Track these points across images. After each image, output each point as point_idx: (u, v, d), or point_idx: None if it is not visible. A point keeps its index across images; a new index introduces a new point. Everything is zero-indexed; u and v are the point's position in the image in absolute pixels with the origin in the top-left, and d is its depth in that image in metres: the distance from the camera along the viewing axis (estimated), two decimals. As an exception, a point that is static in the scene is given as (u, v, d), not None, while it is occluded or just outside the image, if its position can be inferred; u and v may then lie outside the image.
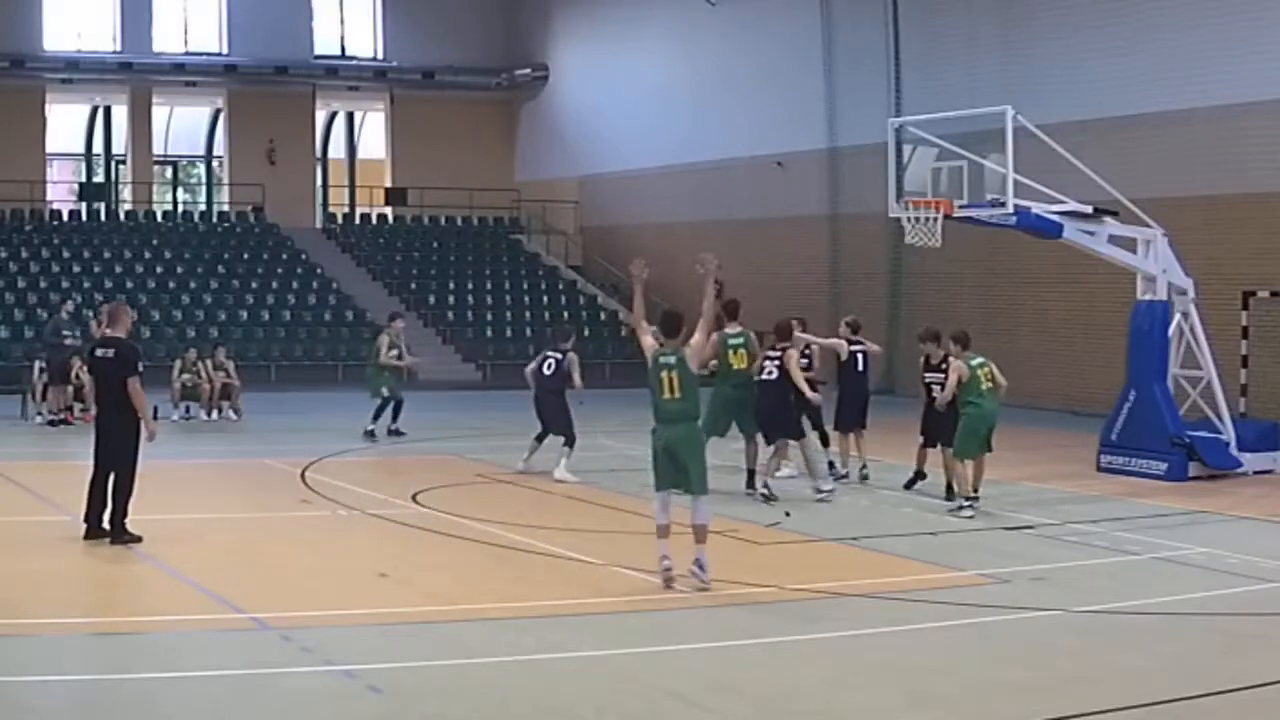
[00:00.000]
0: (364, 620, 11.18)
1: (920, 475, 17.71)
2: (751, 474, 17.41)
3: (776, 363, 17.26)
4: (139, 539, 13.69)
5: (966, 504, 16.14)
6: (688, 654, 10.34)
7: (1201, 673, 9.95)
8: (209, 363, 26.30)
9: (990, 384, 16.35)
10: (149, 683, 9.27)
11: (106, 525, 13.85)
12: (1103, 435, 20.09)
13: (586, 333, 39.78)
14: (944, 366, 16.98)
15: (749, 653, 10.40)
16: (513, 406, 22.59)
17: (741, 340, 17.36)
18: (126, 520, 13.82)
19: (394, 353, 23.19)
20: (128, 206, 43.28)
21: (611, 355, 38.54)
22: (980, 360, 16.44)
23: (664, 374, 12.25)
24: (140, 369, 14.00)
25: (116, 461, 13.90)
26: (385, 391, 23.08)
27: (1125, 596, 12.20)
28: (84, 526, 13.91)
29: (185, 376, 26.01)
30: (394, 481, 18.28)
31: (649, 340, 12.43)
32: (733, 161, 37.51)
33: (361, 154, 47.41)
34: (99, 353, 14.29)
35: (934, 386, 17.17)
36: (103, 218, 42.24)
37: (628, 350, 39.02)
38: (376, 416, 23.07)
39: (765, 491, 17.04)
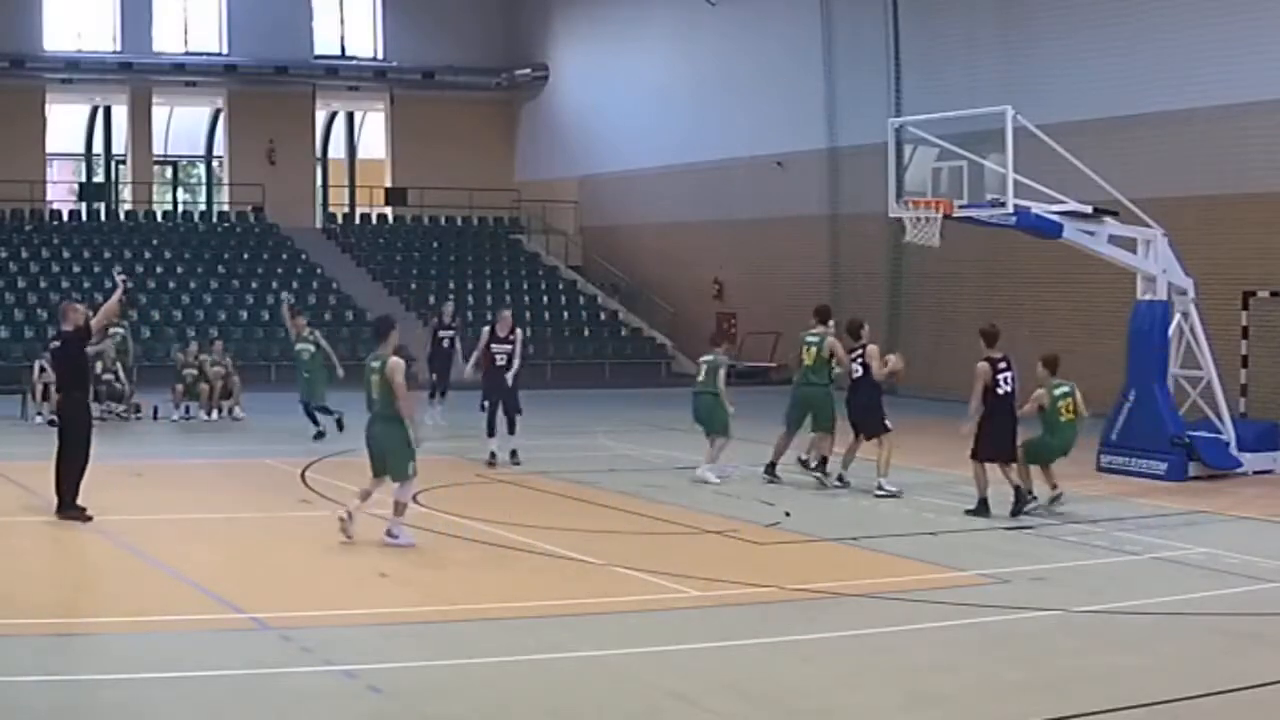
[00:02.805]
0: (364, 620, 11.18)
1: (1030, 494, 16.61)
2: (823, 462, 18.19)
3: (860, 360, 18.00)
4: (91, 518, 14.84)
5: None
6: (688, 654, 10.33)
7: (1201, 673, 9.94)
8: (208, 359, 26.27)
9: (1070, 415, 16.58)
10: (148, 683, 9.26)
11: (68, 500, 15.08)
12: (1103, 435, 20.08)
13: (586, 333, 39.86)
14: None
15: (749, 653, 10.40)
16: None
17: (816, 340, 18.33)
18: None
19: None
20: (128, 206, 43.29)
21: (611, 355, 38.57)
22: (1065, 390, 16.57)
23: (371, 377, 13.89)
24: (90, 340, 16.02)
25: (79, 440, 15.18)
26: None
27: (1125, 596, 12.20)
28: (56, 505, 15.04)
29: (187, 371, 26.01)
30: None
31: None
32: (733, 161, 37.51)
33: (361, 154, 47.41)
34: (52, 347, 16.26)
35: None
36: (103, 218, 42.25)
37: (627, 350, 39.13)
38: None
39: (839, 481, 17.94)
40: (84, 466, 15.11)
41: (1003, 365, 16.38)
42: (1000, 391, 16.26)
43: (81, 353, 15.84)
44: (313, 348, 24.19)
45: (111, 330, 25.73)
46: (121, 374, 25.95)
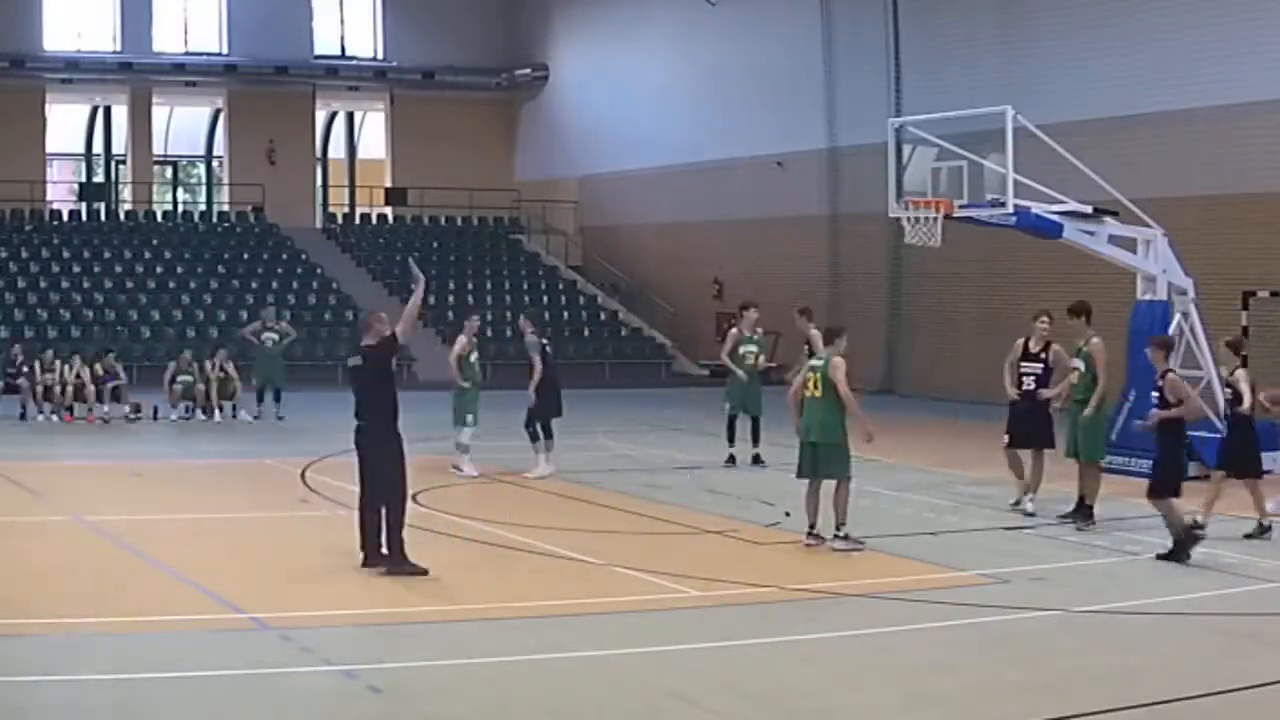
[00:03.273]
0: (364, 620, 11.19)
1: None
2: None
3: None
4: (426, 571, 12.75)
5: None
6: (688, 654, 10.33)
7: (1201, 673, 9.95)
8: (209, 364, 26.16)
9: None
10: (148, 683, 9.26)
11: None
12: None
13: (586, 333, 39.85)
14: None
15: (749, 653, 10.40)
16: (513, 406, 22.50)
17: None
18: None
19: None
20: (128, 206, 43.30)
21: (612, 355, 38.56)
22: None
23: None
24: (397, 354, 13.93)
25: (387, 483, 13.44)
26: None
27: (1125, 596, 12.21)
28: (362, 560, 13.08)
29: (182, 378, 25.93)
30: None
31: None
32: (733, 161, 37.51)
33: (361, 154, 47.42)
34: (351, 364, 14.94)
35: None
36: (103, 218, 42.26)
37: (627, 350, 39.12)
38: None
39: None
40: (403, 514, 12.99)
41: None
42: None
43: (388, 372, 13.53)
44: None
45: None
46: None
